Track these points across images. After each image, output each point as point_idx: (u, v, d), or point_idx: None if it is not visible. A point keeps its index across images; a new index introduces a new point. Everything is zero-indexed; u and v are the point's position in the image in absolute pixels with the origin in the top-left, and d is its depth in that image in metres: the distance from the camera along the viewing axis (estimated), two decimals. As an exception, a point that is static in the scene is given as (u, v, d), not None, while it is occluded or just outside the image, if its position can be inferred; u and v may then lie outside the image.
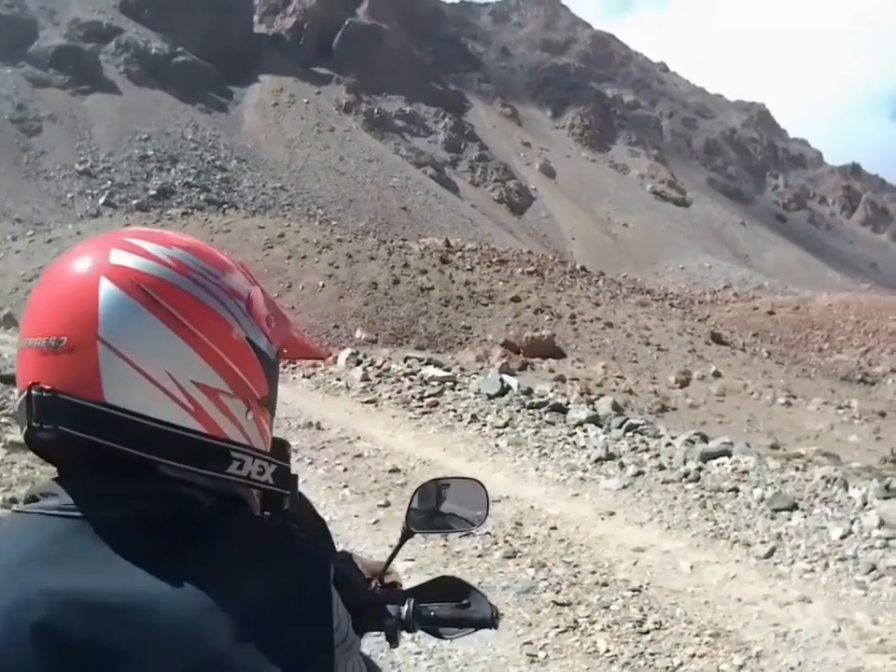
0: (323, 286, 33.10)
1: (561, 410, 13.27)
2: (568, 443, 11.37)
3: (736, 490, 8.92)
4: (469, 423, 12.83)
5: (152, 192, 64.76)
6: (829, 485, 8.71)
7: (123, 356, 1.07)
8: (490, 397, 14.18)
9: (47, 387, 1.07)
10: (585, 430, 11.97)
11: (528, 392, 14.70)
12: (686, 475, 9.51)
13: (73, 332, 1.07)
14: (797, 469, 9.40)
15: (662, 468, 9.93)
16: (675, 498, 8.93)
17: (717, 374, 29.52)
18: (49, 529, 1.04)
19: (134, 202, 61.83)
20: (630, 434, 11.79)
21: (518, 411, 13.19)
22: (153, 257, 1.13)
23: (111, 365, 1.07)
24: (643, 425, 12.43)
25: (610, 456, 10.46)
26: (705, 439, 11.48)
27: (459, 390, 15.00)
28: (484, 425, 12.66)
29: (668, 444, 10.87)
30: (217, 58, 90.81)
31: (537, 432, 11.98)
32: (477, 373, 17.63)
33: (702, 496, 8.89)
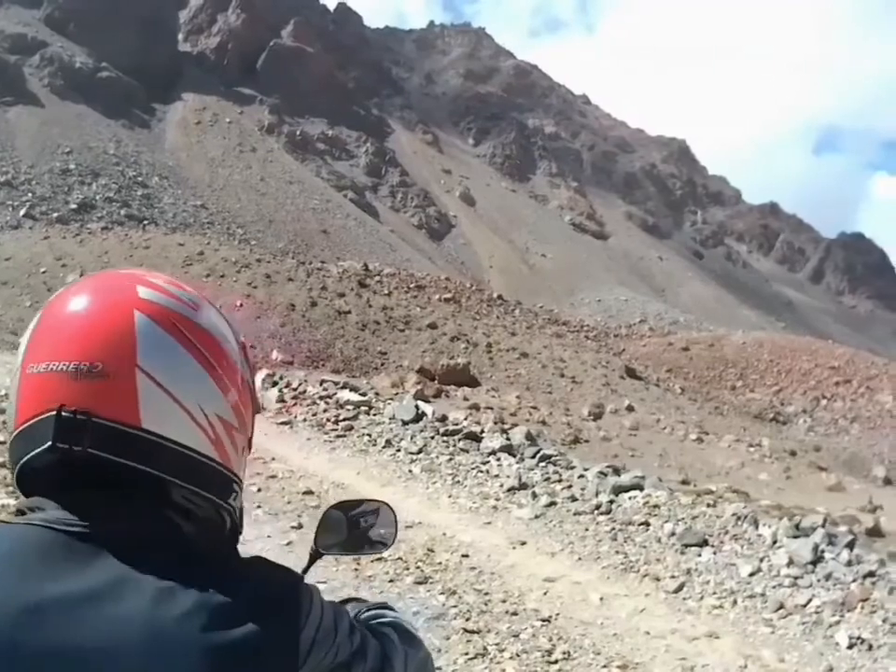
0: (241, 305, 32.73)
1: (475, 438, 13.28)
2: (482, 471, 11.37)
3: (647, 524, 8.99)
4: (384, 448, 12.79)
5: (73, 206, 62.79)
6: (739, 522, 8.81)
7: (162, 385, 1.14)
8: (405, 422, 14.16)
9: (80, 409, 1.10)
10: (499, 459, 11.98)
11: (443, 419, 14.72)
12: (598, 507, 9.57)
13: (109, 359, 1.12)
14: (708, 505, 9.50)
15: (574, 499, 9.97)
16: (586, 530, 8.96)
17: (630, 408, 29.53)
18: (34, 539, 1.07)
19: (55, 214, 59.80)
20: (543, 464, 11.82)
21: (432, 437, 13.18)
22: (178, 298, 1.22)
23: (149, 393, 1.13)
24: (556, 456, 12.49)
25: (523, 486, 10.49)
26: (617, 472, 11.57)
27: (374, 415, 14.96)
28: (398, 450, 12.62)
29: (581, 476, 10.93)
30: (142, 74, 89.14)
31: (450, 459, 11.98)
32: (392, 399, 17.54)
33: (613, 528, 8.94)
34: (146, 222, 63.00)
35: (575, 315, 72.13)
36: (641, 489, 10.08)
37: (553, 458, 12.22)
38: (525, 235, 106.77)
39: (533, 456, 12.20)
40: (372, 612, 1.51)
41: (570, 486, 10.51)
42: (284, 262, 41.06)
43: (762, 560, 7.92)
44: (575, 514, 9.45)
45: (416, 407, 14.94)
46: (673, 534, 8.66)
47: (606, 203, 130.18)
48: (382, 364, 31.38)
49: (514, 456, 12.30)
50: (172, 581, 1.05)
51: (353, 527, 1.74)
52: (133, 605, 1.01)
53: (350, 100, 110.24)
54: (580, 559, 8.18)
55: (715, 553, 8.16)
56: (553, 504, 9.81)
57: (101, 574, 1.04)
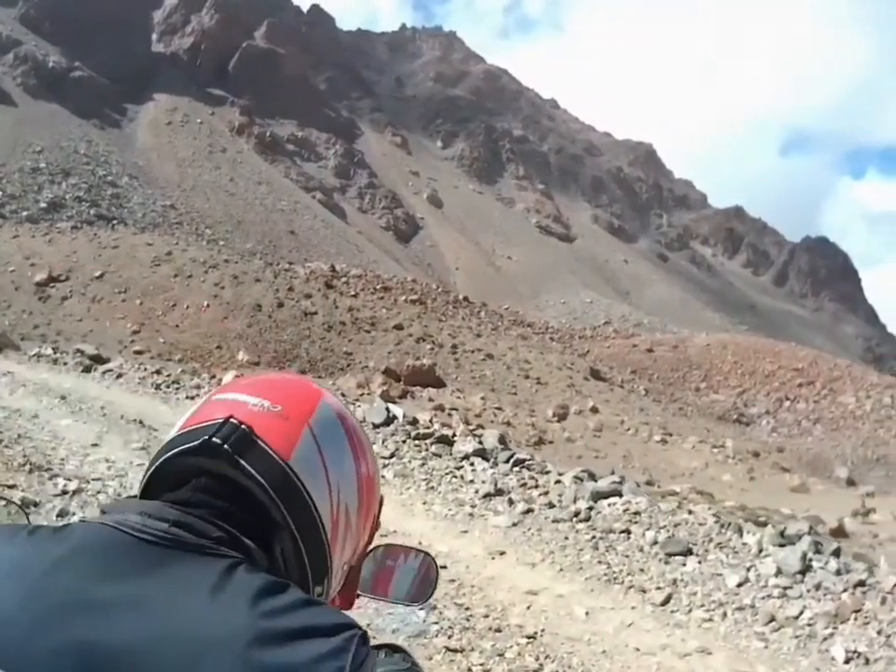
0: (207, 306, 32.68)
1: (447, 442, 12.98)
2: (456, 477, 11.07)
3: (628, 532, 8.71)
4: (354, 452, 12.41)
5: (43, 205, 62.79)
6: (723, 530, 8.56)
7: (320, 449, 1.24)
8: (375, 426, 13.82)
9: (245, 422, 1.19)
10: (472, 464, 11.67)
11: (414, 422, 14.40)
12: (577, 514, 9.28)
13: (290, 408, 1.25)
14: (690, 512, 9.23)
15: (551, 505, 9.68)
16: (566, 538, 8.67)
17: (594, 410, 29.75)
18: (103, 539, 1.09)
19: (25, 213, 59.98)
20: (517, 469, 11.54)
21: (404, 441, 12.87)
22: (347, 410, 1.36)
23: (308, 447, 1.23)
24: (530, 460, 12.20)
25: (499, 492, 10.17)
26: (593, 476, 11.30)
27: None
28: None
29: (558, 481, 10.63)
30: (114, 74, 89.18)
31: (423, 464, 11.67)
32: (358, 399, 17.25)
33: (594, 536, 8.66)
34: (115, 222, 63.14)
35: (540, 316, 72.75)
36: (620, 495, 9.79)
37: (527, 462, 11.94)
38: (491, 237, 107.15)
39: (507, 461, 11.91)
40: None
41: (547, 492, 10.22)
42: (251, 263, 41.13)
43: (748, 569, 7.66)
44: (553, 522, 9.15)
45: (387, 410, 14.60)
46: (655, 542, 8.38)
47: (572, 206, 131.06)
48: (348, 365, 31.41)
49: (488, 461, 12.00)
50: (227, 595, 1.04)
51: (396, 574, 1.71)
52: (179, 613, 1.01)
53: (321, 102, 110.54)
54: (561, 570, 7.88)
55: (700, 563, 7.89)
56: (530, 511, 9.52)
57: (157, 580, 1.04)
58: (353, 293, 40.27)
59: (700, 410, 41.77)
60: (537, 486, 10.48)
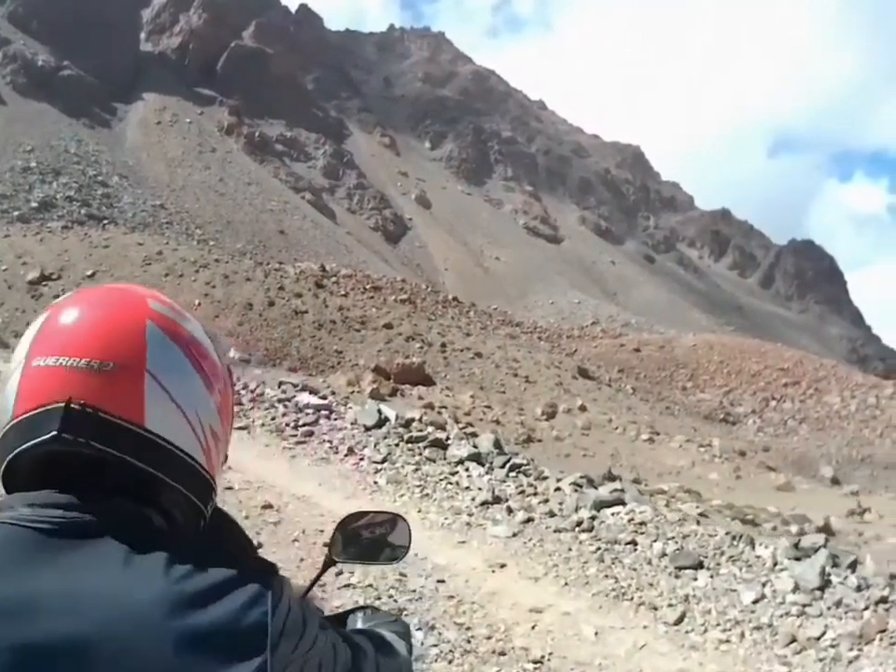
0: (199, 305, 32.72)
1: (441, 445, 12.55)
2: (451, 483, 10.61)
3: (634, 543, 8.31)
4: (346, 456, 12.00)
5: (34, 205, 62.53)
6: (735, 542, 8.16)
7: (167, 390, 1.19)
8: (367, 428, 13.39)
9: (89, 404, 1.13)
10: (467, 469, 11.25)
11: (406, 424, 13.93)
12: (579, 524, 8.87)
13: (120, 360, 1.16)
14: (698, 522, 8.82)
15: (552, 514, 9.26)
16: (569, 550, 8.25)
17: (583, 408, 29.70)
18: (5, 537, 1.08)
19: (16, 213, 59.74)
20: (514, 474, 11.15)
21: (396, 445, 12.42)
22: (181, 314, 1.28)
23: (155, 396, 1.17)
24: (526, 465, 11.79)
25: (497, 499, 9.74)
26: (592, 482, 10.90)
27: (335, 419, 14.13)
28: (362, 458, 11.84)
29: (557, 489, 10.20)
30: (103, 73, 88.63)
31: (417, 469, 11.21)
32: (348, 398, 17.07)
33: (598, 548, 8.24)
34: (105, 221, 62.82)
35: (528, 316, 72.67)
36: (623, 504, 9.38)
37: (524, 468, 11.53)
38: (479, 238, 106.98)
39: (503, 466, 11.50)
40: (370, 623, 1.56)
41: (547, 500, 9.78)
42: (242, 263, 41.34)
43: (764, 585, 7.25)
44: (555, 532, 8.72)
45: (379, 412, 14.13)
46: (664, 554, 7.97)
47: (560, 208, 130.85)
48: (338, 363, 31.56)
49: (483, 465, 11.58)
50: (139, 570, 1.06)
51: (368, 537, 1.76)
52: (99, 595, 1.02)
53: (309, 102, 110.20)
54: (566, 584, 7.43)
55: (712, 577, 7.48)
56: (530, 520, 9.08)
57: (68, 567, 1.04)
58: (343, 293, 40.24)
59: (687, 409, 41.84)
60: (536, 493, 10.05)
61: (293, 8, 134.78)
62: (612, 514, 9.04)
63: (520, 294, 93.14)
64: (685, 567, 7.68)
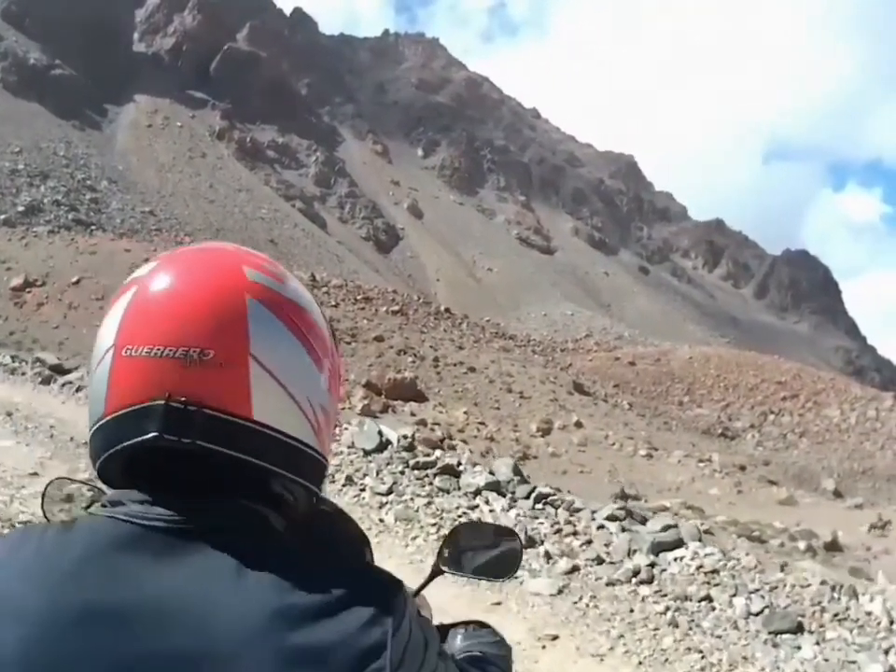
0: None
1: (453, 472, 10.84)
2: (472, 519, 8.92)
3: (710, 599, 6.68)
4: (345, 486, 10.25)
5: (20, 208, 62.00)
6: (835, 594, 6.51)
7: (274, 375, 1.08)
8: (367, 452, 11.65)
9: (192, 400, 1.04)
10: (487, 501, 9.58)
11: (411, 448, 12.22)
12: (636, 573, 7.24)
13: (222, 346, 1.06)
14: (782, 568, 7.17)
15: (600, 561, 7.61)
16: (631, 611, 6.58)
17: (578, 424, 29.71)
18: (117, 534, 1.03)
19: (2, 216, 59.05)
20: (540, 506, 9.47)
21: (402, 472, 10.69)
22: (279, 278, 1.15)
23: (261, 383, 1.07)
24: (553, 494, 10.10)
25: (530, 542, 8.00)
26: (630, 513, 9.23)
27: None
28: (363, 489, 10.13)
29: (600, 526, 8.51)
30: (95, 73, 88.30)
31: (429, 503, 9.49)
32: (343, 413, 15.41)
33: (667, 607, 6.59)
34: (93, 227, 62.40)
35: (521, 329, 72.72)
36: (685, 546, 7.73)
37: (551, 498, 9.86)
38: (472, 249, 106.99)
39: (527, 496, 9.82)
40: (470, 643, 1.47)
41: (590, 541, 8.09)
42: None
43: (887, 652, 5.65)
44: (608, 584, 7.07)
45: (380, 433, 12.40)
46: (750, 614, 6.35)
47: (553, 218, 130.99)
48: None
49: (504, 496, 9.92)
50: (252, 579, 0.99)
51: (478, 550, 1.68)
52: (214, 605, 0.97)
53: (302, 107, 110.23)
54: (641, 663, 5.71)
55: (819, 644, 5.87)
56: (575, 570, 7.40)
57: (182, 571, 1.00)
58: (333, 303, 39.93)
59: (684, 424, 41.74)
60: (575, 533, 8.32)
61: (288, 11, 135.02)
62: (675, 560, 7.40)
63: (512, 305, 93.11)
64: (782, 632, 6.07)
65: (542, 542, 8.11)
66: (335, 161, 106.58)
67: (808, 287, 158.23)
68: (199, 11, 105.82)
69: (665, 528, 8.35)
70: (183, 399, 1.02)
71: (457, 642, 1.47)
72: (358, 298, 43.74)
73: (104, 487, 1.16)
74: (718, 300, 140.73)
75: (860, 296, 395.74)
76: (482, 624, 1.53)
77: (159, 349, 1.03)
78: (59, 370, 21.66)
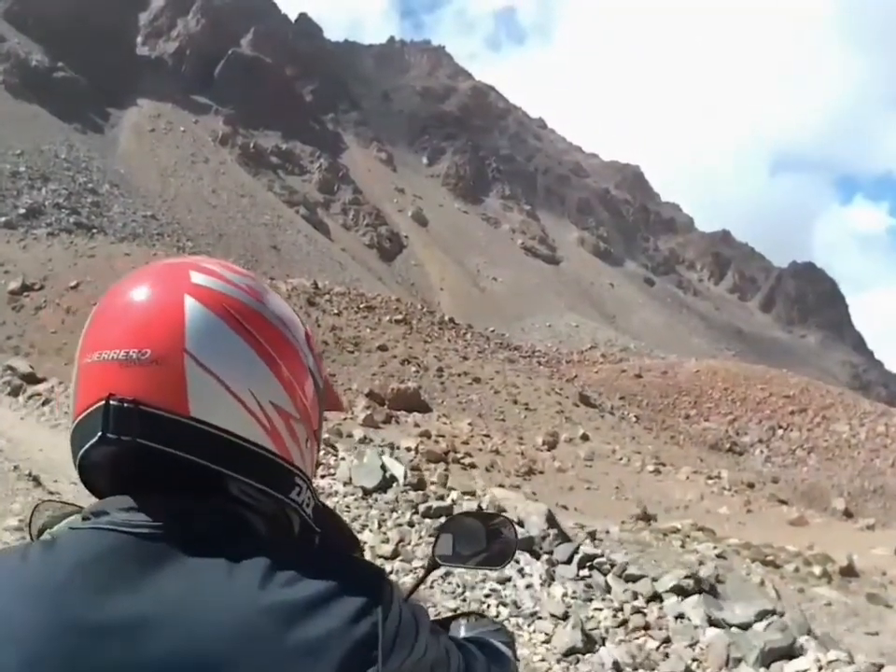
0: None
1: (472, 521, 8.59)
2: (502, 600, 6.66)
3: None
4: (338, 544, 8.05)
5: (21, 211, 60.86)
6: None
7: (210, 371, 1.10)
8: (367, 492, 9.48)
9: (128, 398, 1.08)
10: (521, 570, 7.33)
11: (419, 485, 10.01)
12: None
13: (158, 345, 1.09)
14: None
15: (689, 674, 5.42)
16: None
17: (585, 437, 29.83)
18: (103, 545, 1.06)
19: (3, 219, 57.97)
20: (588, 574, 7.31)
21: (410, 524, 8.47)
22: (231, 282, 1.17)
23: (198, 379, 1.09)
24: (599, 556, 7.90)
25: (588, 641, 5.75)
26: (700, 582, 7.07)
27: (323, 476, 10.18)
28: (361, 550, 7.89)
29: (679, 616, 6.27)
30: (98, 76, 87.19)
31: (447, 574, 7.24)
32: (339, 430, 14.27)
33: None
34: (94, 231, 61.80)
35: (526, 339, 73.04)
36: (800, 651, 5.55)
37: (598, 561, 7.68)
38: (476, 258, 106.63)
39: (568, 560, 7.63)
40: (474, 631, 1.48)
41: (667, 639, 5.90)
42: None
43: None
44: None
45: (383, 467, 10.16)
46: None
47: (558, 228, 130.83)
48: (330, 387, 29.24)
49: (538, 557, 7.72)
50: (243, 578, 1.02)
51: (472, 540, 1.66)
52: (207, 607, 1.00)
53: (306, 113, 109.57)
54: None
55: None
56: (658, 693, 5.26)
57: (170, 576, 1.02)
58: (336, 311, 40.12)
59: (692, 438, 41.63)
60: (647, 627, 6.10)
61: (293, 17, 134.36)
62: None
63: (517, 316, 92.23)
64: None
65: (602, 641, 5.88)
66: (339, 167, 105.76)
67: (815, 300, 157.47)
68: (203, 16, 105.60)
69: (762, 615, 6.19)
70: (121, 397, 1.06)
71: (461, 632, 1.46)
72: (361, 306, 43.69)
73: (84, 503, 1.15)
74: (723, 312, 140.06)
75: (867, 310, 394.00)
76: (481, 615, 1.53)
77: (105, 353, 1.09)
78: (31, 379, 20.13)
